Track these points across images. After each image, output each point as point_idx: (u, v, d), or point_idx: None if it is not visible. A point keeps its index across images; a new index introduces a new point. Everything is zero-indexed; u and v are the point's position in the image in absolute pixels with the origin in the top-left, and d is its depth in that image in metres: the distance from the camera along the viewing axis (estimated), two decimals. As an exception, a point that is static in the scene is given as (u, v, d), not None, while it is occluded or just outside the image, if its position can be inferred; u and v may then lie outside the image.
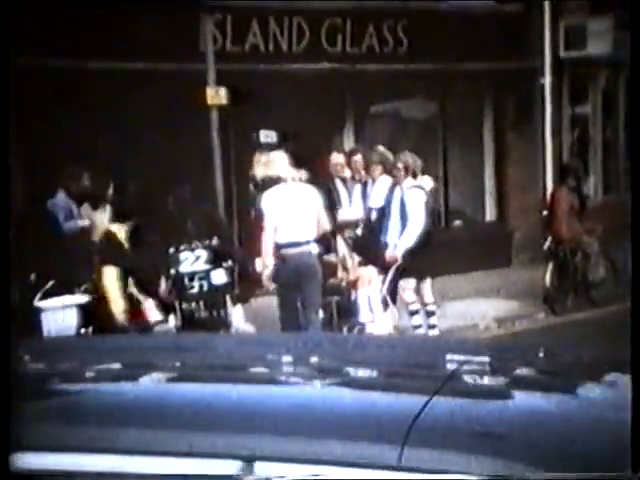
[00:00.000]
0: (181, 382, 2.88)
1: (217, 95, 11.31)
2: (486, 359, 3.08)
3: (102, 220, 10.70)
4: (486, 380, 2.86)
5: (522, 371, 3.00)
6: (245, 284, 9.40)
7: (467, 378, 2.75)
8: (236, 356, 3.19)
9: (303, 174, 9.84)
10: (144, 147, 12.38)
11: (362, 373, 2.94)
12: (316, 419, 2.34)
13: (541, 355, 3.33)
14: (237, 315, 9.24)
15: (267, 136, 13.25)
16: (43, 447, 2.32)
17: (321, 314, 9.60)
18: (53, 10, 11.05)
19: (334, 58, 13.89)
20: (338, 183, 11.21)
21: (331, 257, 10.22)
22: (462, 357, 2.93)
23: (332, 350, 3.24)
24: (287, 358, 3.18)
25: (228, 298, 9.18)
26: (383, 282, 10.26)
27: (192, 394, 2.61)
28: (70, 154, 11.12)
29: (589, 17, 16.29)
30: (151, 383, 2.85)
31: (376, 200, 10.89)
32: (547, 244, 12.73)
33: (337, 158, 11.37)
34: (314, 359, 3.17)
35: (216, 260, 9.28)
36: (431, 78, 15.02)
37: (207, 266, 9.20)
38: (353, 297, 10.09)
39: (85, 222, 10.56)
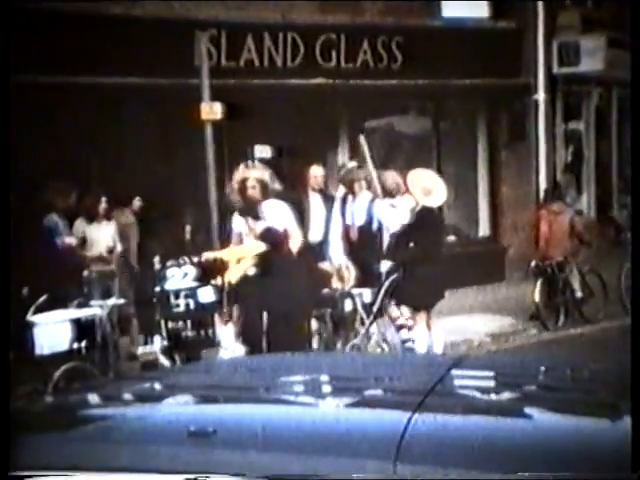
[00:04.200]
0: (199, 404, 2.87)
1: (212, 110, 11.28)
2: (491, 374, 3.07)
3: (97, 234, 10.67)
4: (492, 396, 2.85)
5: (527, 387, 2.99)
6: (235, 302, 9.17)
7: (474, 394, 2.74)
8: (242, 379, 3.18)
9: (277, 186, 9.61)
10: (138, 162, 12.36)
11: (371, 392, 2.92)
12: (326, 438, 2.33)
13: (542, 370, 3.32)
14: (226, 335, 9.04)
15: (262, 151, 13.27)
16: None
17: (314, 325, 9.50)
18: (46, 26, 11.03)
19: (328, 73, 13.90)
20: (317, 197, 11.05)
21: (326, 265, 10.13)
22: (467, 372, 2.91)
23: (338, 370, 3.23)
24: (295, 378, 3.17)
25: (217, 317, 8.94)
26: (375, 298, 10.15)
27: (207, 415, 2.61)
28: (63, 169, 11.09)
29: (582, 35, 16.38)
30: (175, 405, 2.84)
31: (358, 216, 10.91)
32: (535, 261, 12.74)
33: (316, 171, 11.21)
34: (323, 378, 3.16)
35: (205, 277, 9.00)
36: (425, 94, 15.04)
37: (194, 283, 8.94)
38: (347, 309, 9.96)
39: (72, 240, 10.43)
